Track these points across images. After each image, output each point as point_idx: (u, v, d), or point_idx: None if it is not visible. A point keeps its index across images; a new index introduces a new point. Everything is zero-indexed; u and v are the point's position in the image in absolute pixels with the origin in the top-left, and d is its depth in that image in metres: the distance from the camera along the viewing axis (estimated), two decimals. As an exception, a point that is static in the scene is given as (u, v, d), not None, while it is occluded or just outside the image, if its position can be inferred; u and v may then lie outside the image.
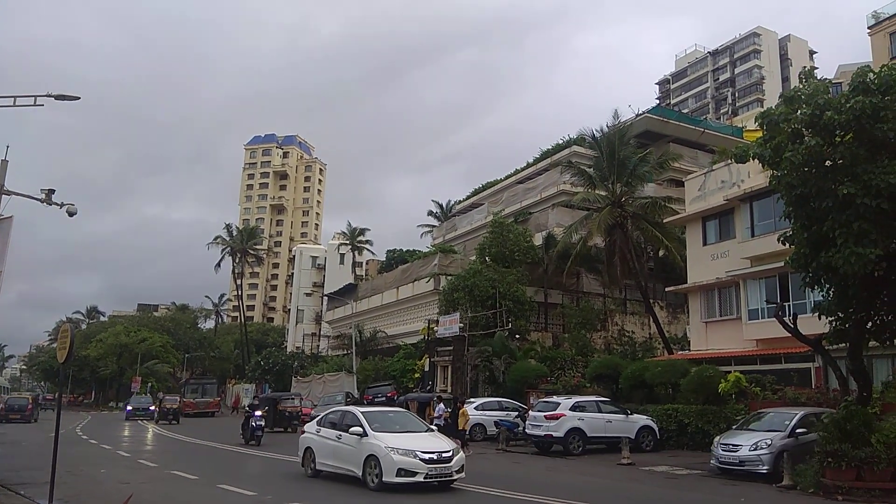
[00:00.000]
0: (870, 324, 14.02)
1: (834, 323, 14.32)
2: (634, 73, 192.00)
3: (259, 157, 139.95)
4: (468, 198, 58.70)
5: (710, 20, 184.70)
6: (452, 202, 63.39)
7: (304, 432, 15.92)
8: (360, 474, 13.19)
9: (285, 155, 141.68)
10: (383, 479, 12.59)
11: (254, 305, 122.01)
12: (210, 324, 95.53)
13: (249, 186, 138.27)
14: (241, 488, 13.26)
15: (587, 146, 37.58)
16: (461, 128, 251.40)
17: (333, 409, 17.30)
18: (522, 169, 51.29)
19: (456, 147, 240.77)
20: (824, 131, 12.55)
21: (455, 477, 13.08)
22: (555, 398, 22.69)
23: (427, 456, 12.74)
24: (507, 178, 53.02)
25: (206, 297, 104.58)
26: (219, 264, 74.03)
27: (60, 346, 12.19)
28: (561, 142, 47.35)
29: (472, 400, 28.56)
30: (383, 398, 35.71)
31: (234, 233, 75.25)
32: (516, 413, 25.72)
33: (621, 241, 32.44)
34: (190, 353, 77.88)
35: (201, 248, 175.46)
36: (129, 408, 46.98)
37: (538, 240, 38.93)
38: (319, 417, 16.03)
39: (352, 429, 13.56)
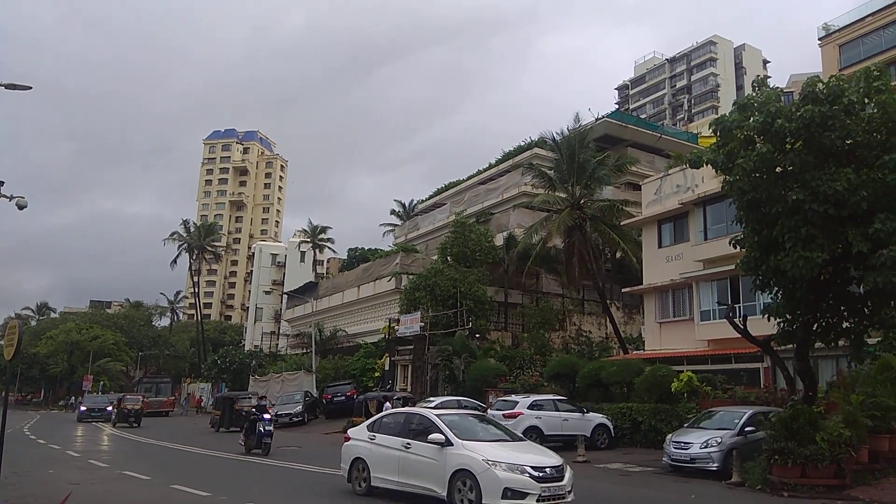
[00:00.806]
0: (816, 326, 14.50)
1: (782, 324, 14.78)
2: (596, 77, 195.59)
3: (218, 151, 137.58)
4: (431, 197, 58.78)
5: (670, 27, 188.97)
6: (415, 201, 63.44)
7: (348, 438, 13.04)
8: (445, 494, 10.50)
9: (245, 150, 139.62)
10: (483, 502, 9.92)
11: (211, 303, 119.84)
12: (165, 321, 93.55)
13: (208, 182, 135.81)
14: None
15: (548, 148, 38.02)
16: (427, 127, 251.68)
17: (391, 411, 14.36)
18: (485, 170, 51.63)
19: (421, 146, 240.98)
20: (775, 138, 12.97)
21: (568, 499, 10.44)
22: (513, 397, 22.90)
23: (538, 472, 10.11)
24: (469, 178, 53.29)
25: (162, 294, 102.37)
26: (175, 261, 72.59)
27: (7, 343, 11.85)
28: (523, 144, 47.87)
29: (431, 399, 28.58)
30: (342, 397, 35.53)
31: (192, 229, 73.83)
32: (475, 412, 25.83)
33: (580, 243, 32.93)
34: (144, 351, 76.13)
35: (158, 244, 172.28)
36: (82, 408, 43.60)
37: (499, 240, 39.24)
38: (371, 421, 13.04)
39: (431, 436, 10.87)
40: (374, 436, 12.23)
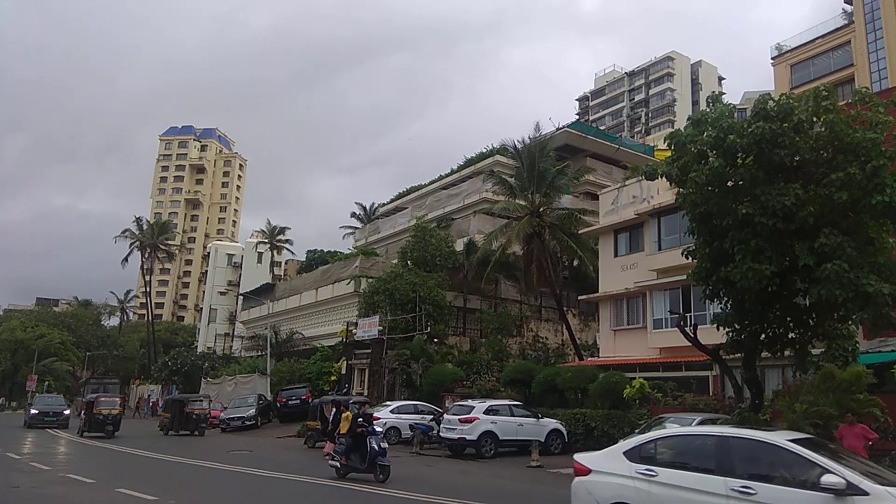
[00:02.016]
0: (763, 335, 14.94)
1: (730, 334, 15.18)
2: (558, 88, 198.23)
3: (175, 148, 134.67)
4: (392, 201, 58.68)
5: (632, 42, 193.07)
6: (376, 205, 63.22)
7: (587, 471, 8.18)
8: None
9: (203, 148, 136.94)
10: None
11: (163, 303, 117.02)
12: (115, 321, 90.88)
13: (163, 179, 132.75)
14: None
15: (509, 156, 38.40)
16: (389, 132, 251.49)
17: (677, 431, 10.12)
18: (447, 175, 51.81)
19: (384, 151, 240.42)
20: (727, 153, 13.34)
21: None
22: (469, 402, 23.00)
23: None
24: (431, 183, 53.38)
25: (112, 292, 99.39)
26: (126, 259, 70.72)
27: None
28: (485, 151, 48.21)
29: (387, 403, 28.53)
30: (297, 401, 35.08)
31: (145, 226, 72.04)
32: (431, 416, 25.87)
33: (538, 250, 33.30)
34: (92, 351, 73.83)
35: (109, 242, 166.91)
36: (32, 411, 35.93)
37: (459, 245, 39.39)
38: (631, 447, 8.16)
39: (824, 478, 6.29)
40: (652, 471, 7.58)
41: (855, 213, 12.93)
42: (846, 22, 48.98)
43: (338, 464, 15.77)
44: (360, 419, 15.90)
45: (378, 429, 16.27)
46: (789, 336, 14.71)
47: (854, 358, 17.17)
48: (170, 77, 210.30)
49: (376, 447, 15.03)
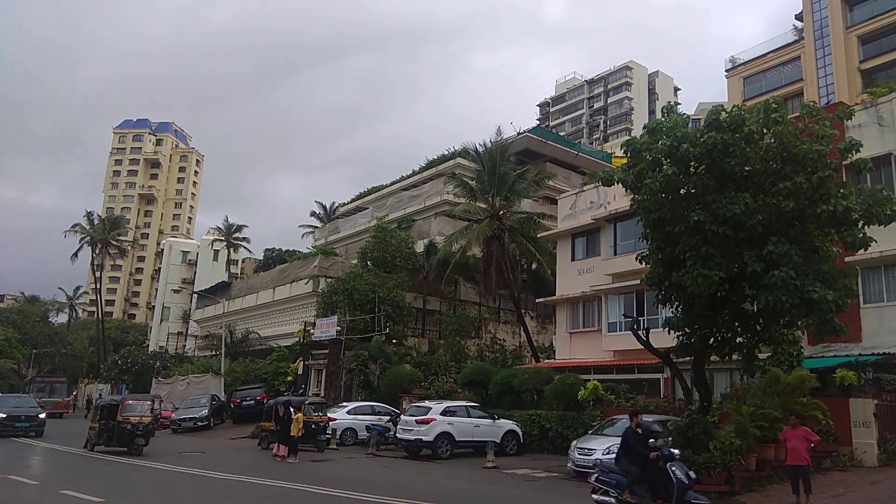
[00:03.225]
0: (712, 340, 15.35)
1: (681, 338, 15.56)
2: (521, 93, 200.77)
3: (129, 142, 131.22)
4: (353, 201, 58.33)
5: (592, 51, 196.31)
6: (336, 204, 62.73)
7: None
8: None
9: (159, 142, 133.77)
10: None
11: (114, 300, 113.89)
12: (63, 318, 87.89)
13: (116, 173, 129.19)
14: None
15: (471, 159, 38.59)
16: (354, 133, 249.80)
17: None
18: (408, 176, 51.76)
19: (347, 151, 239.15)
20: (681, 162, 13.71)
21: None
22: (426, 403, 23.04)
23: None
24: (392, 184, 53.26)
25: (60, 289, 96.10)
26: (76, 254, 68.38)
27: None
28: (447, 153, 48.32)
29: (344, 404, 28.38)
30: (252, 401, 34.55)
31: (96, 221, 69.87)
32: (388, 417, 25.83)
33: (498, 253, 33.56)
34: (38, 348, 71.21)
35: (59, 237, 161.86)
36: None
37: (420, 247, 39.39)
38: None
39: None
40: None
41: (801, 222, 13.42)
42: (797, 38, 50.73)
43: (613, 500, 10.94)
44: (656, 450, 10.97)
45: (676, 451, 11.85)
46: (737, 340, 15.15)
47: (799, 363, 17.87)
48: (128, 70, 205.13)
49: (684, 478, 10.56)
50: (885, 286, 20.22)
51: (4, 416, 27.39)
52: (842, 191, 13.13)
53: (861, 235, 13.38)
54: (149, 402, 23.64)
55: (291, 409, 21.81)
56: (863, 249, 13.64)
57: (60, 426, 37.21)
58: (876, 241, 13.65)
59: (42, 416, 28.55)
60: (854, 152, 13.63)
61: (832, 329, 13.49)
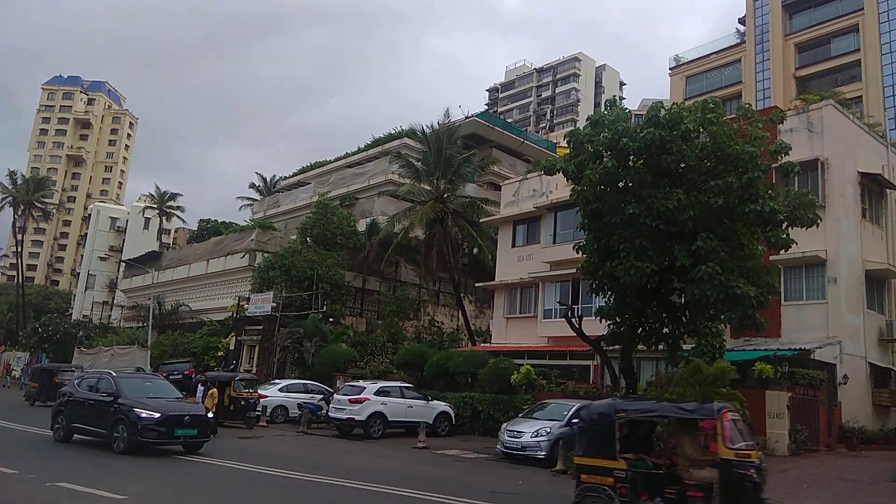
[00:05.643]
0: (640, 329, 15.89)
1: (611, 327, 16.05)
2: (473, 80, 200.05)
3: (59, 100, 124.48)
4: (295, 175, 57.21)
5: (545, 43, 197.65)
6: (278, 178, 61.39)
7: None
8: None
9: (90, 102, 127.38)
10: None
11: (36, 265, 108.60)
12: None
13: (43, 132, 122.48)
14: None
15: (417, 140, 38.35)
16: (302, 108, 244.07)
17: None
18: (353, 153, 51.10)
19: (294, 127, 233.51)
20: (620, 155, 14.02)
21: None
22: (360, 382, 22.97)
23: None
24: (337, 160, 52.48)
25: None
26: (-4, 215, 64.82)
27: None
28: (394, 132, 47.90)
29: (276, 381, 28.00)
30: (179, 375, 33.61)
31: (19, 181, 66.25)
32: (321, 396, 25.63)
33: (440, 236, 33.59)
34: (-51, 313, 67.39)
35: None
36: None
37: (362, 226, 39.03)
38: None
39: None
40: None
41: (730, 220, 13.95)
42: (739, 41, 52.42)
43: None
44: None
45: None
46: (664, 331, 15.72)
47: (721, 354, 18.57)
48: (67, 24, 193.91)
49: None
50: (805, 285, 21.33)
51: (159, 416, 14.74)
52: (770, 192, 13.70)
53: (785, 236, 14.03)
54: (74, 369, 27.04)
55: (204, 386, 21.71)
56: (785, 249, 14.31)
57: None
58: (797, 243, 14.34)
59: (210, 415, 16.84)
60: (783, 155, 14.23)
61: (753, 324, 14.13)
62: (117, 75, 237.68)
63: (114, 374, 16.74)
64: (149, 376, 19.88)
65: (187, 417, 15.13)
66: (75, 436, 16.01)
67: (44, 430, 17.53)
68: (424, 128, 36.08)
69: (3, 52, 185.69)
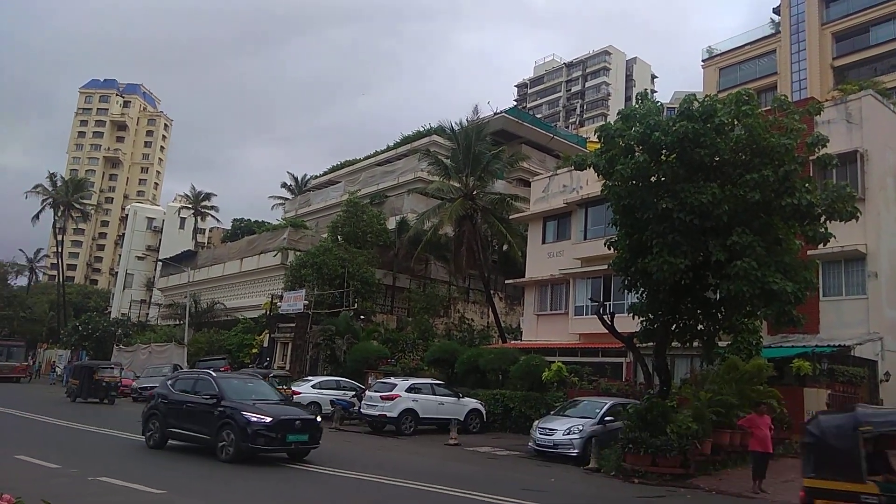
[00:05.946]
0: (674, 326, 15.64)
1: (645, 323, 15.82)
2: (502, 75, 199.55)
3: (96, 102, 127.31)
4: (325, 174, 57.75)
5: (574, 37, 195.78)
6: (308, 177, 62.02)
7: None
8: None
9: (126, 104, 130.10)
10: None
11: (76, 265, 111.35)
12: (23, 281, 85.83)
13: (81, 134, 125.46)
14: None
15: (446, 137, 38.38)
16: (331, 106, 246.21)
17: None
18: (382, 151, 51.35)
19: (324, 125, 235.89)
20: (652, 149, 13.81)
21: None
22: (392, 379, 23.12)
23: None
24: (366, 158, 52.82)
25: (21, 250, 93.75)
26: (37, 216, 66.63)
27: None
28: (422, 129, 47.98)
29: (309, 378, 28.31)
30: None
31: (59, 183, 68.03)
32: (353, 393, 25.85)
33: (469, 233, 33.58)
34: (-5, 311, 69.55)
35: (19, 199, 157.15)
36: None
37: (392, 223, 39.24)
38: None
39: None
40: None
41: (766, 214, 13.64)
42: (773, 31, 51.23)
43: None
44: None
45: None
46: (698, 328, 15.45)
47: (757, 351, 18.31)
48: (100, 28, 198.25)
49: None
50: (844, 281, 20.81)
51: (270, 420, 13.52)
52: (807, 185, 13.37)
53: (823, 230, 13.67)
54: (113, 366, 30.95)
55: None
56: (823, 244, 13.96)
57: (19, 391, 36.54)
58: (835, 238, 13.97)
59: (318, 419, 14.89)
60: (821, 148, 13.87)
61: (790, 320, 13.80)
62: (151, 77, 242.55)
63: (213, 374, 15.43)
64: (247, 377, 17.70)
65: (298, 422, 13.81)
66: (169, 441, 14.83)
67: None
68: (453, 125, 36.10)
69: (39, 57, 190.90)
